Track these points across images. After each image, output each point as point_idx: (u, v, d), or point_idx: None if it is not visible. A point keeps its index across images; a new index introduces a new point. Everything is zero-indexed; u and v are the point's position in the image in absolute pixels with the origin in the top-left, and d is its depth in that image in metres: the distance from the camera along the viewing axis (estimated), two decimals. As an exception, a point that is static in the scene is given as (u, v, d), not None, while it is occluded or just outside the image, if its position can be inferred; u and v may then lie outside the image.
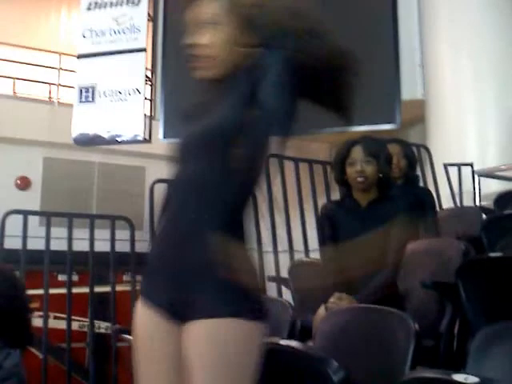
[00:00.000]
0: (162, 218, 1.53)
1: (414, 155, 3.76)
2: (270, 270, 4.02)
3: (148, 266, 1.51)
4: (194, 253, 1.39)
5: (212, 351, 1.34)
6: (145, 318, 1.47)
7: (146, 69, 6.79)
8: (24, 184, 7.84)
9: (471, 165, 4.89)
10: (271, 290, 3.99)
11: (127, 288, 4.43)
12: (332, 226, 2.65)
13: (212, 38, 1.46)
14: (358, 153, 2.58)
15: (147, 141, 6.47)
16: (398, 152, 3.44)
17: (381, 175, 2.60)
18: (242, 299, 1.37)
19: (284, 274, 3.75)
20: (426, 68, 5.75)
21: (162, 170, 1.77)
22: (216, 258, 1.34)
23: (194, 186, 1.44)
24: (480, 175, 4.85)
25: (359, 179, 2.58)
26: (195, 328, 1.37)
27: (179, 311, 1.41)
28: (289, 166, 4.70)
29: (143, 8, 6.93)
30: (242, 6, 1.45)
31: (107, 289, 4.32)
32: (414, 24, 5.97)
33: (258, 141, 1.38)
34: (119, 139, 6.44)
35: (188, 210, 1.42)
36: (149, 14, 6.98)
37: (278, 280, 3.99)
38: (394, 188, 2.80)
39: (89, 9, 7.11)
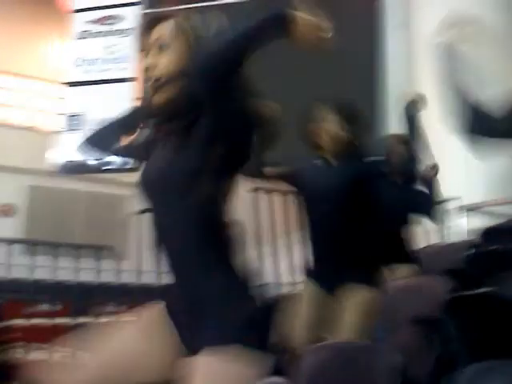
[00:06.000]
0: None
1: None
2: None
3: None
4: (198, 284, 1.40)
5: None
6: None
7: (135, 98, 6.81)
8: (9, 212, 7.77)
9: (457, 199, 4.90)
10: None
11: (111, 319, 4.36)
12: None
13: (159, 60, 1.47)
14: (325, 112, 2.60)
15: (135, 169, 6.42)
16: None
17: (347, 136, 2.58)
18: (248, 327, 1.37)
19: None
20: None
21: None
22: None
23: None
24: (467, 210, 4.87)
25: (324, 138, 2.58)
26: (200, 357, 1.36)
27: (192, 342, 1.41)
28: (276, 199, 4.69)
29: (133, 38, 6.98)
30: (189, 33, 1.47)
31: (91, 319, 4.26)
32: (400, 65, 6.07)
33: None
34: (106, 167, 6.42)
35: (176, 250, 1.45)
36: (138, 44, 7.02)
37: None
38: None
39: (80, 38, 7.16)
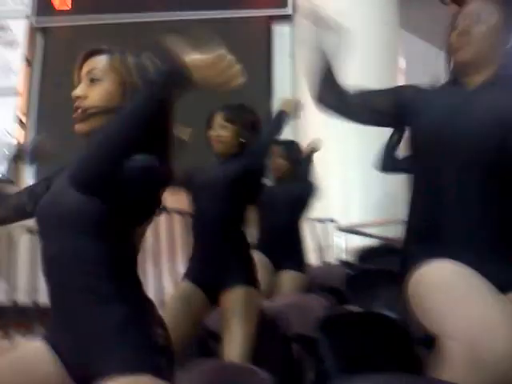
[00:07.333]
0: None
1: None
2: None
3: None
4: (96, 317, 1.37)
5: None
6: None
7: (20, 112, 6.61)
8: None
9: (333, 220, 5.15)
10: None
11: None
12: None
13: (88, 92, 1.49)
14: (216, 118, 2.66)
15: (11, 182, 6.17)
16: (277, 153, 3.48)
17: (242, 140, 2.65)
18: (150, 355, 1.36)
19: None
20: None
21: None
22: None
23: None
24: (345, 231, 5.09)
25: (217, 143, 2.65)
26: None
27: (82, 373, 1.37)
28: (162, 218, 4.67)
29: (20, 51, 6.78)
30: (121, 71, 1.50)
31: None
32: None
33: None
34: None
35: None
36: (26, 58, 6.82)
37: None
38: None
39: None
